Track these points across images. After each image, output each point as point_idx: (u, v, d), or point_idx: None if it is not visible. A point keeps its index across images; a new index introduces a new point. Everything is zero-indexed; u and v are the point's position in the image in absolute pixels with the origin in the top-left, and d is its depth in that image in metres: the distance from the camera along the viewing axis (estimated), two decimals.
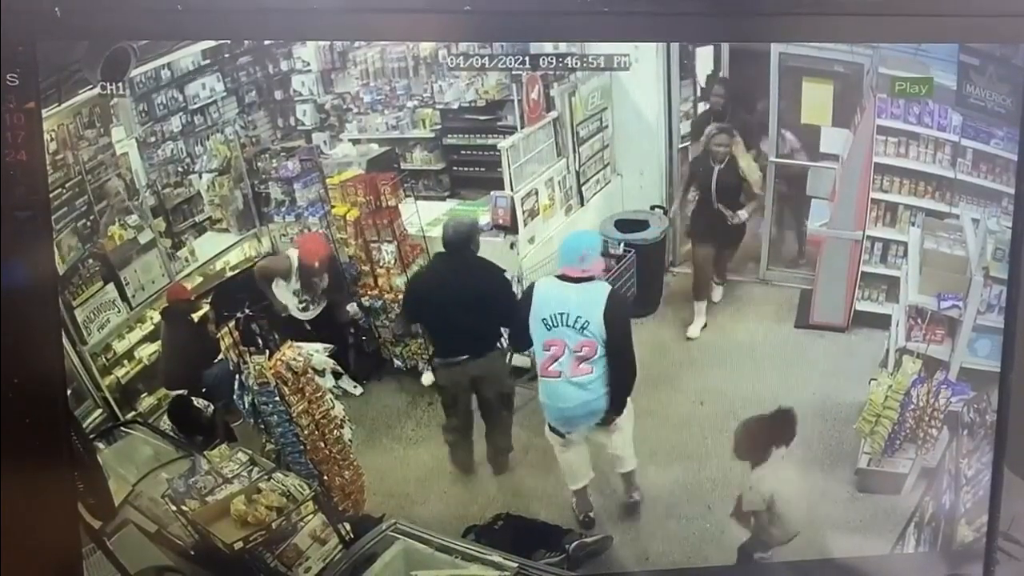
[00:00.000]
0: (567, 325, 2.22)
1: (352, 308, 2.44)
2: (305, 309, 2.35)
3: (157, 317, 2.29)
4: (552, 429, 2.34)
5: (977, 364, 2.30)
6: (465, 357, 2.34)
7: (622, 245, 2.61)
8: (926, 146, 2.33)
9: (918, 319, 2.36)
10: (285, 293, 2.32)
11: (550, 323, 2.22)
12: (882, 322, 2.44)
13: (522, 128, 2.51)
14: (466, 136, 2.58)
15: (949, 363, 2.35)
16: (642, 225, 2.64)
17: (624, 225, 2.66)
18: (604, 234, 2.65)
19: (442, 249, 2.34)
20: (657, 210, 2.65)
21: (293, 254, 2.35)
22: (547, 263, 2.57)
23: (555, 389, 2.27)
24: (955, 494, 2.31)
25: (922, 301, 2.37)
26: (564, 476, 2.35)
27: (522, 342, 2.31)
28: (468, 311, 2.31)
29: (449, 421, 2.39)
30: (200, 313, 2.28)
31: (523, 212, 2.54)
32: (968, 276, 2.29)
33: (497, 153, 2.50)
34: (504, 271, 2.31)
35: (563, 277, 2.24)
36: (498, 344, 2.39)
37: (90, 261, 2.14)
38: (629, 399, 2.31)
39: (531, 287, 2.27)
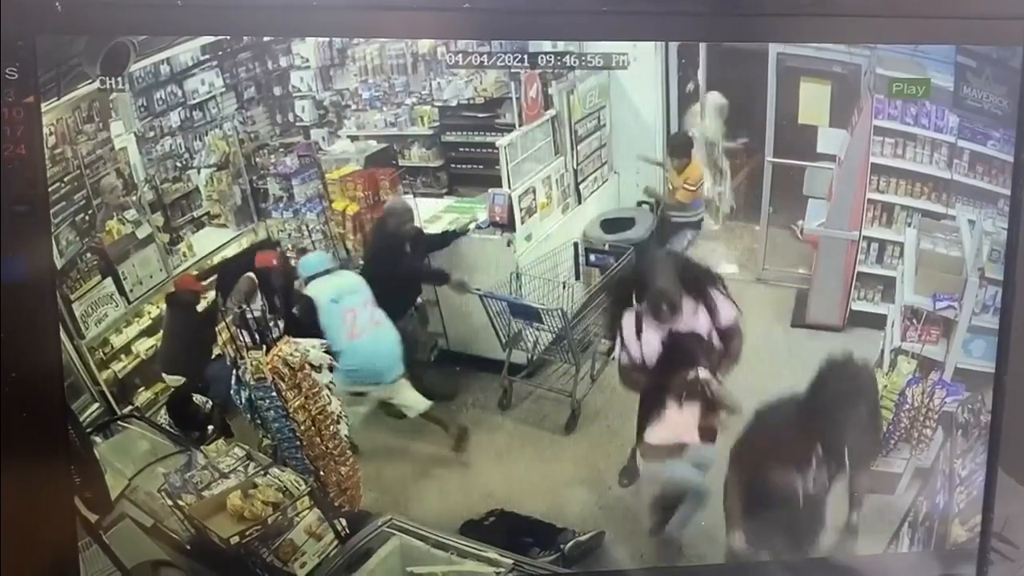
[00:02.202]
0: (350, 292, 2.35)
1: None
2: None
3: (155, 312, 2.29)
4: (358, 393, 2.42)
5: (972, 365, 2.31)
6: None
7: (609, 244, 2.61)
8: (923, 147, 2.33)
9: (913, 319, 2.37)
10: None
11: (337, 298, 2.34)
12: (878, 322, 2.45)
13: (520, 126, 2.52)
14: (464, 133, 2.58)
15: (944, 364, 2.36)
16: (628, 223, 2.64)
17: (611, 224, 2.66)
18: (588, 237, 2.65)
19: None
20: (644, 206, 2.64)
21: (251, 274, 2.36)
22: (544, 261, 2.59)
23: (371, 339, 2.38)
24: (949, 494, 2.32)
25: (918, 301, 2.38)
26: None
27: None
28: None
29: None
30: (205, 303, 2.29)
31: (520, 210, 2.55)
32: (964, 277, 2.30)
33: (495, 151, 2.51)
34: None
35: (318, 276, 2.36)
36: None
37: (88, 255, 2.15)
38: None
39: (307, 298, 2.34)
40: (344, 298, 2.35)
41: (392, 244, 2.43)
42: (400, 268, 2.46)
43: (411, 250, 2.45)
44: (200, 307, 2.28)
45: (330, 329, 2.34)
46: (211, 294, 2.29)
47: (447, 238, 2.52)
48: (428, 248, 2.51)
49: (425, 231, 2.49)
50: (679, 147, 2.56)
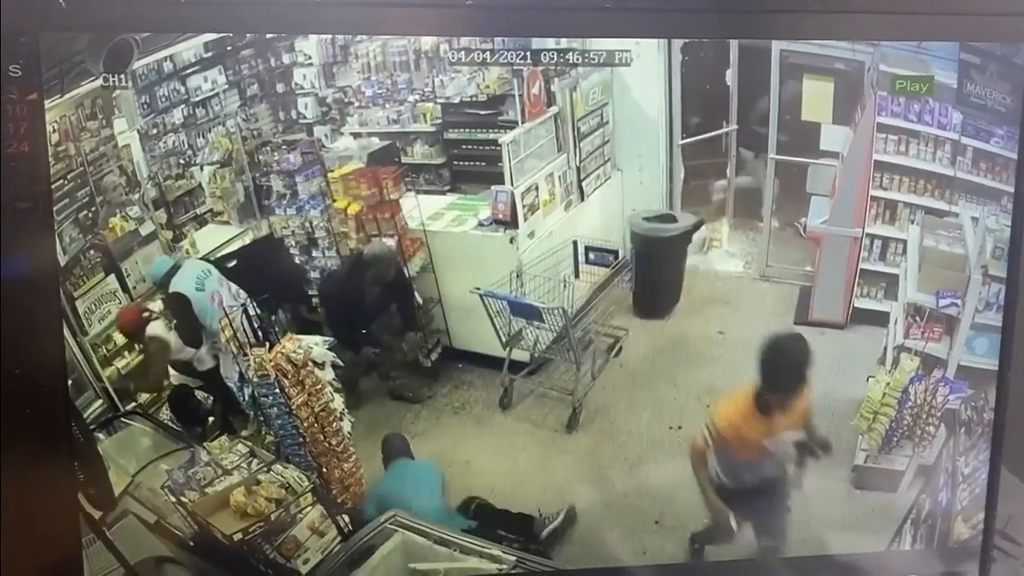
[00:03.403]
0: (206, 278, 2.31)
1: None
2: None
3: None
4: None
5: (975, 362, 2.30)
6: None
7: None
8: (926, 144, 2.33)
9: (917, 317, 2.37)
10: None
11: (200, 285, 2.31)
12: (881, 319, 2.45)
13: (523, 123, 2.52)
14: (467, 130, 2.58)
15: (947, 361, 2.35)
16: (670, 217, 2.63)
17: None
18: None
19: None
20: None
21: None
22: (545, 258, 2.59)
23: None
24: (952, 492, 2.32)
25: (921, 299, 2.38)
26: None
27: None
28: None
29: None
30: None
31: (523, 207, 2.55)
32: (967, 274, 2.30)
33: (498, 148, 2.51)
34: None
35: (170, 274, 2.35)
36: None
37: (91, 252, 2.15)
38: None
39: (176, 295, 2.30)
40: (204, 283, 2.33)
41: (363, 288, 2.43)
42: (364, 305, 2.45)
43: (380, 292, 2.46)
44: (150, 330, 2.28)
45: (205, 314, 2.32)
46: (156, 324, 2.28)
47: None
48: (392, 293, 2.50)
49: (400, 278, 2.49)
50: (792, 371, 2.30)
